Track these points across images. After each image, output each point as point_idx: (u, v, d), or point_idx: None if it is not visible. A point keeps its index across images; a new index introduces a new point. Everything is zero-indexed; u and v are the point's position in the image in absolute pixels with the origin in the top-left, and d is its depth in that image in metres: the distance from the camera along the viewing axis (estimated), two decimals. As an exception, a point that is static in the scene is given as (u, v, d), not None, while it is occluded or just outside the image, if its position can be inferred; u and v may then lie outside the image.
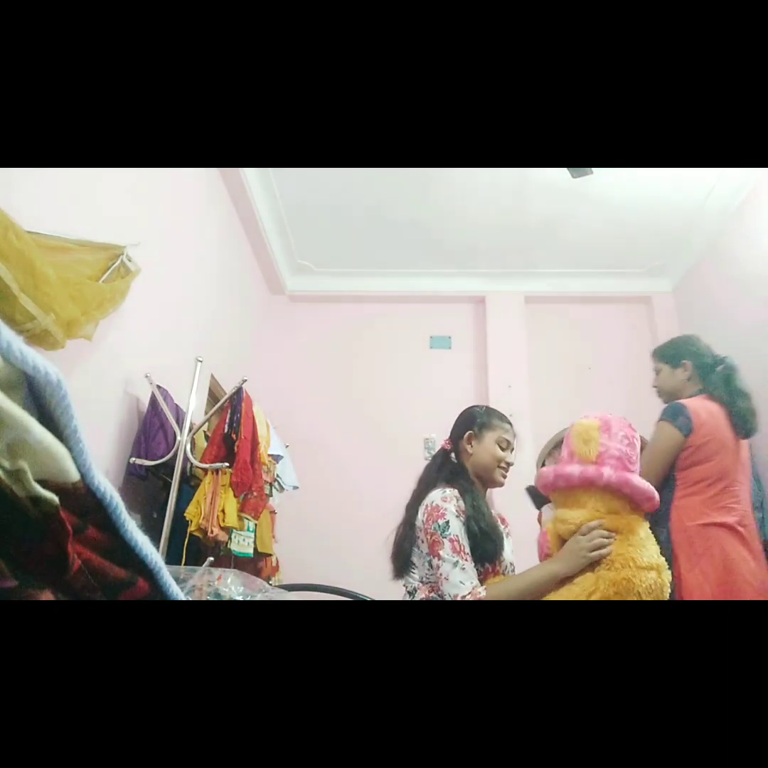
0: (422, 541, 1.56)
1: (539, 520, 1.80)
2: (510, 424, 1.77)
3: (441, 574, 1.44)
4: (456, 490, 1.56)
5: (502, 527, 1.70)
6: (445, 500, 1.53)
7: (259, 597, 1.45)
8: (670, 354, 2.33)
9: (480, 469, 1.68)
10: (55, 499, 0.34)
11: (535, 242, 4.56)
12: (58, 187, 2.03)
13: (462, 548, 1.46)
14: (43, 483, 0.34)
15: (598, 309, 4.95)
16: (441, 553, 1.45)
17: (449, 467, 1.69)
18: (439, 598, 1.48)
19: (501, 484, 1.72)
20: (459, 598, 1.39)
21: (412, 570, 1.59)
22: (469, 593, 1.39)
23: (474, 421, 1.73)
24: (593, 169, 3.29)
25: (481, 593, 1.40)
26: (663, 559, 1.41)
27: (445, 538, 1.46)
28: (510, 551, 1.67)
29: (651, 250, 4.60)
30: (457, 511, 1.51)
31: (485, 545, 1.49)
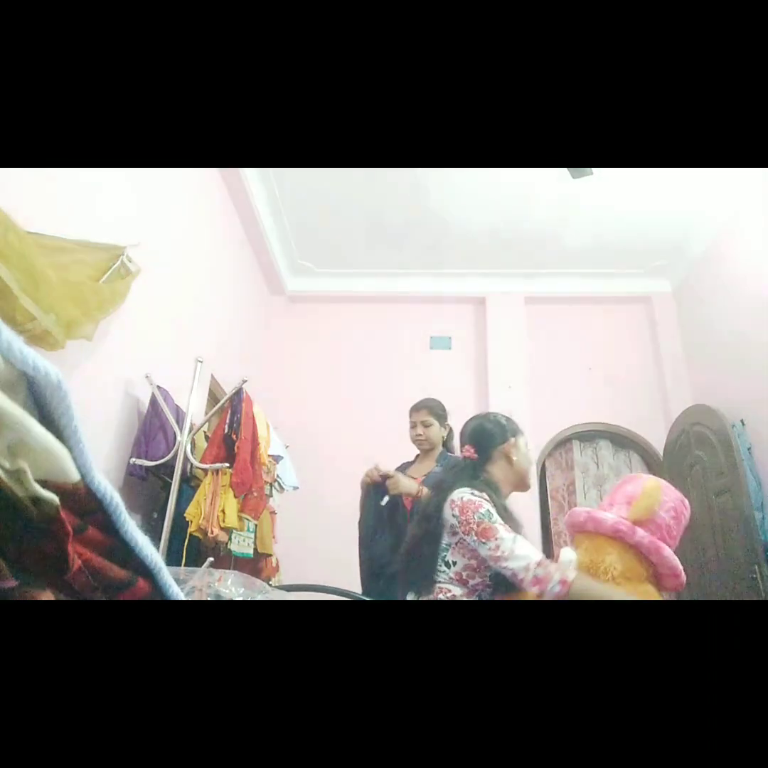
0: (462, 536, 1.50)
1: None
2: None
3: (503, 552, 1.41)
4: (483, 493, 1.54)
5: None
6: (475, 495, 1.52)
7: (259, 598, 1.45)
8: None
9: (520, 476, 1.69)
10: (56, 499, 0.34)
11: (535, 243, 4.56)
12: (58, 188, 2.03)
13: (511, 530, 1.46)
14: (44, 483, 0.34)
15: (598, 309, 4.96)
16: (497, 535, 1.43)
17: (485, 477, 1.64)
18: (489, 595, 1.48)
19: (529, 487, 1.75)
20: (534, 565, 1.36)
21: (442, 573, 1.53)
22: (543, 559, 1.37)
23: (510, 429, 1.72)
24: (593, 169, 3.29)
25: (550, 564, 1.37)
26: None
27: (494, 522, 1.45)
28: None
29: (651, 251, 4.60)
30: (491, 504, 1.51)
31: None
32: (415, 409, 2.54)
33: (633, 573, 1.44)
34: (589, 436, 4.63)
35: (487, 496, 1.53)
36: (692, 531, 3.85)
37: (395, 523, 2.18)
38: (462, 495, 1.52)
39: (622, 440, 4.60)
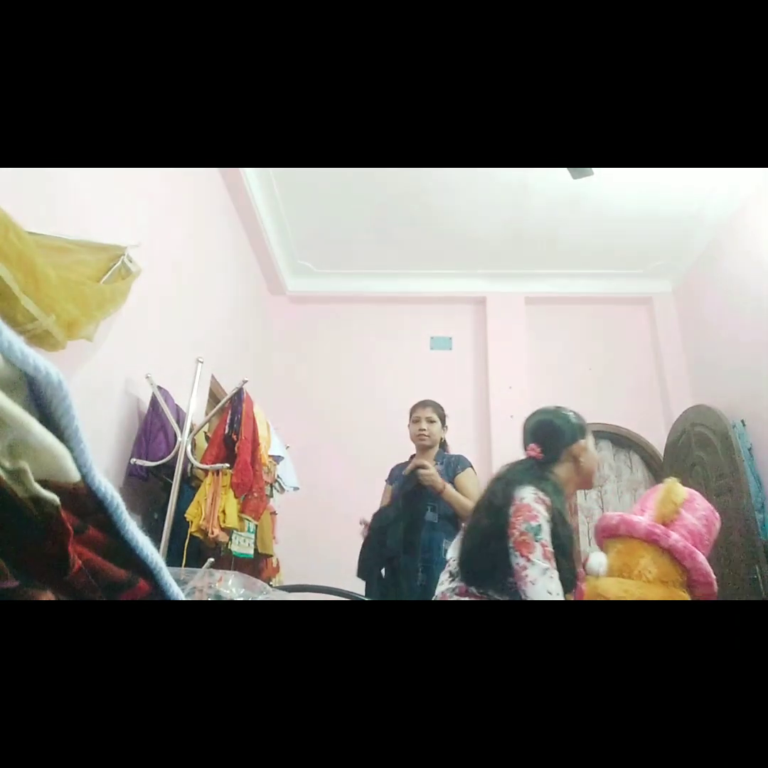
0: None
1: (583, 566, 1.66)
2: None
3: (526, 576, 1.35)
4: (546, 497, 1.46)
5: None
6: (537, 501, 1.43)
7: (259, 599, 1.45)
8: None
9: (587, 477, 1.62)
10: (56, 499, 0.34)
11: (536, 243, 4.56)
12: (58, 188, 2.03)
13: (551, 557, 1.37)
14: (44, 483, 0.34)
15: (598, 309, 4.96)
16: (531, 556, 1.36)
17: (548, 482, 1.54)
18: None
19: (593, 486, 1.70)
20: None
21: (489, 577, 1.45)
22: None
23: (579, 428, 1.65)
24: (594, 169, 3.29)
25: None
26: None
27: (538, 541, 1.37)
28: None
29: (651, 251, 4.60)
30: (548, 516, 1.42)
31: (561, 558, 1.40)
32: (421, 405, 2.58)
33: (668, 577, 1.44)
34: (589, 436, 4.63)
35: (547, 505, 1.44)
36: (693, 531, 3.85)
37: (416, 509, 2.19)
38: (524, 496, 1.45)
39: (622, 441, 4.60)
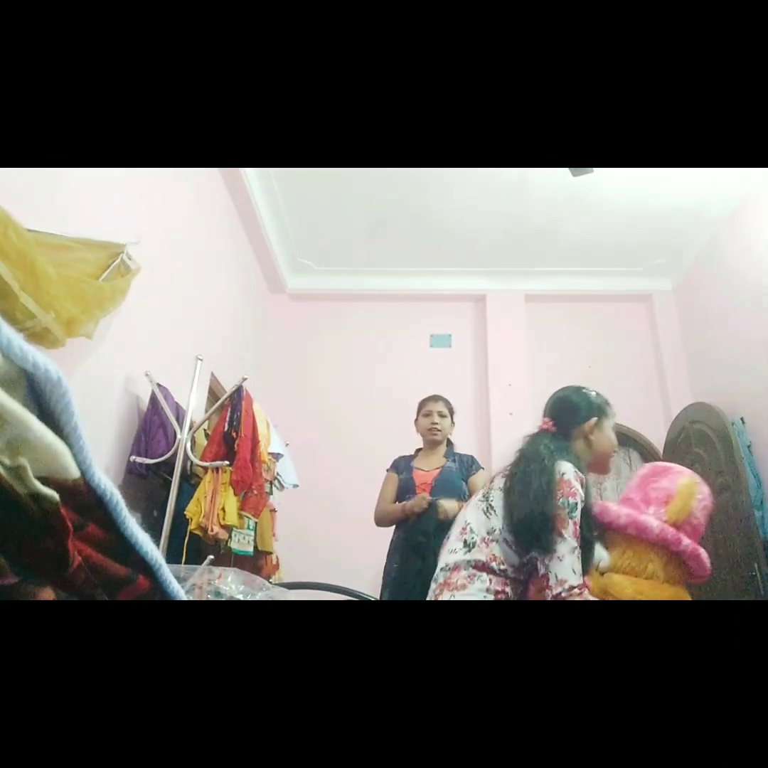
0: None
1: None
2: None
3: (554, 551, 1.33)
4: (583, 476, 1.45)
5: None
6: (577, 479, 1.42)
7: (259, 596, 1.45)
8: None
9: (598, 458, 1.60)
10: (56, 496, 0.34)
11: (536, 241, 4.56)
12: (58, 187, 2.03)
13: (579, 537, 1.37)
14: (44, 480, 0.34)
15: (598, 307, 4.95)
16: (563, 532, 1.34)
17: (569, 454, 1.51)
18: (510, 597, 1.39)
19: (608, 472, 1.65)
20: (567, 587, 1.30)
21: (478, 547, 1.43)
22: (578, 587, 1.31)
23: (594, 406, 1.63)
24: (593, 168, 3.29)
25: (587, 596, 1.32)
26: None
27: (572, 519, 1.36)
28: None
29: (651, 249, 4.60)
30: (583, 496, 1.42)
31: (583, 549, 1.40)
32: (433, 399, 2.58)
33: (674, 577, 1.45)
34: (589, 434, 4.63)
35: (583, 483, 1.43)
36: (692, 529, 3.85)
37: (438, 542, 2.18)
38: (564, 471, 1.42)
39: (622, 438, 4.55)
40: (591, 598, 1.33)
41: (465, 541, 1.46)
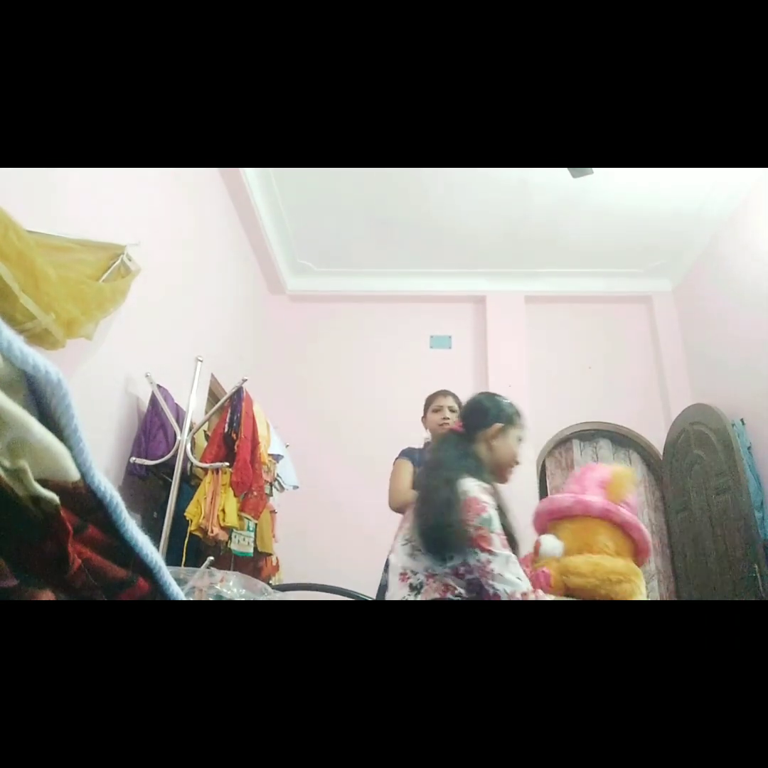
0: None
1: (537, 551, 1.69)
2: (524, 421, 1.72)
3: (492, 569, 1.34)
4: (488, 485, 1.46)
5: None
6: (483, 493, 1.43)
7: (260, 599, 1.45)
8: None
9: (498, 465, 1.61)
10: (56, 498, 0.34)
11: (536, 242, 4.56)
12: (58, 187, 2.03)
13: (507, 544, 1.38)
14: (44, 482, 0.34)
15: (598, 308, 4.96)
16: (492, 548, 1.35)
17: (472, 459, 1.56)
18: (457, 599, 1.40)
19: (506, 482, 1.65)
20: (520, 596, 1.31)
21: (440, 567, 1.44)
22: (531, 591, 1.33)
23: (501, 413, 1.64)
24: (593, 169, 3.29)
25: (542, 595, 1.34)
26: None
27: (493, 532, 1.37)
28: None
29: (651, 250, 4.60)
30: (495, 505, 1.43)
31: (512, 546, 1.42)
32: (443, 394, 2.58)
33: (622, 549, 1.57)
34: (589, 435, 4.63)
35: (491, 492, 1.45)
36: (692, 530, 3.85)
37: None
38: (467, 489, 1.43)
39: (622, 439, 4.60)
40: (544, 596, 1.37)
41: (411, 586, 1.46)
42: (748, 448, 3.61)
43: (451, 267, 4.88)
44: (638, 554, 1.59)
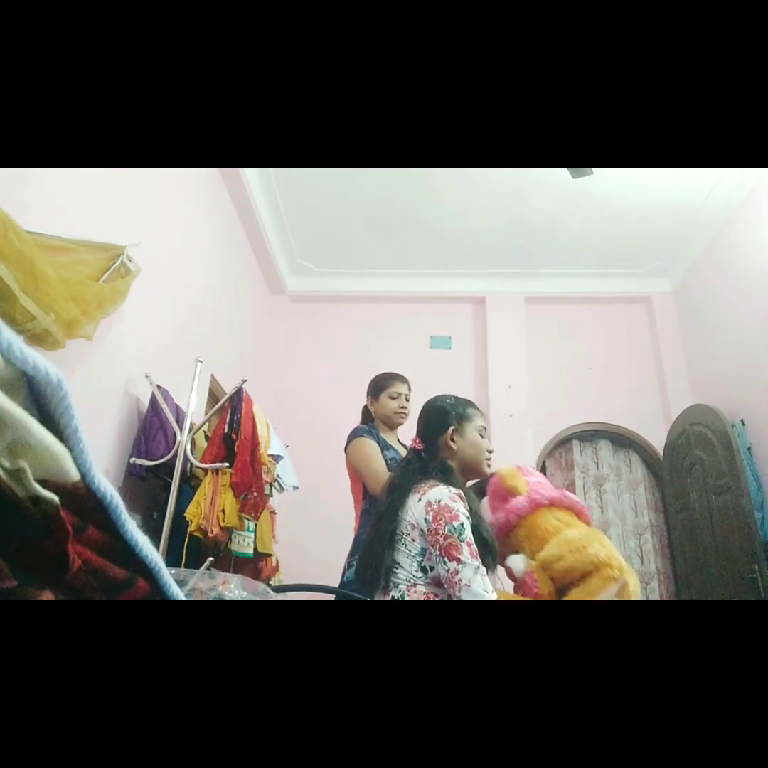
0: (413, 540, 1.45)
1: (510, 576, 1.68)
2: (479, 409, 1.69)
3: (459, 579, 1.33)
4: (459, 491, 1.46)
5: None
6: (454, 500, 1.41)
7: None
8: None
9: (468, 464, 1.59)
10: (56, 498, 0.34)
11: (536, 242, 4.56)
12: (58, 187, 2.03)
13: (477, 553, 1.37)
14: (44, 483, 0.34)
15: (598, 309, 4.96)
16: (460, 557, 1.34)
17: (437, 466, 1.54)
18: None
19: (486, 475, 1.65)
20: None
21: (395, 572, 1.46)
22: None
23: (450, 415, 1.61)
24: (593, 169, 3.29)
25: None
26: None
27: (463, 541, 1.36)
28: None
29: (651, 251, 4.60)
30: (467, 513, 1.42)
31: (486, 555, 1.41)
32: (401, 380, 2.40)
33: (568, 520, 1.64)
34: (589, 435, 4.63)
35: (464, 501, 1.44)
36: (692, 530, 3.85)
37: None
38: (439, 498, 1.42)
39: (622, 440, 4.61)
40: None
41: (393, 599, 1.47)
42: (749, 448, 3.61)
43: (451, 267, 4.88)
44: (580, 517, 1.67)
